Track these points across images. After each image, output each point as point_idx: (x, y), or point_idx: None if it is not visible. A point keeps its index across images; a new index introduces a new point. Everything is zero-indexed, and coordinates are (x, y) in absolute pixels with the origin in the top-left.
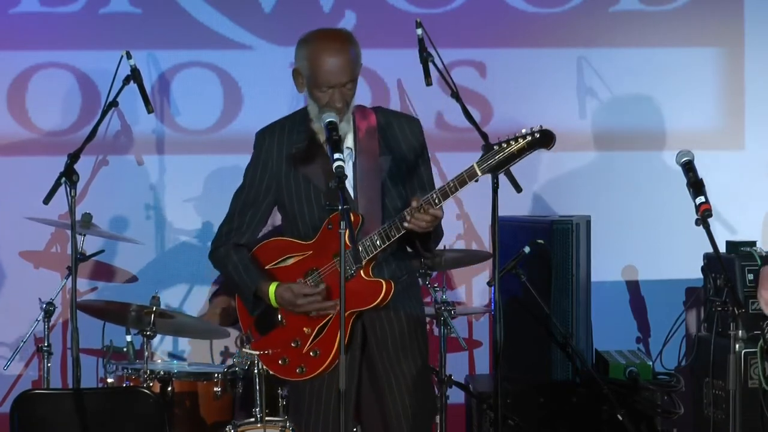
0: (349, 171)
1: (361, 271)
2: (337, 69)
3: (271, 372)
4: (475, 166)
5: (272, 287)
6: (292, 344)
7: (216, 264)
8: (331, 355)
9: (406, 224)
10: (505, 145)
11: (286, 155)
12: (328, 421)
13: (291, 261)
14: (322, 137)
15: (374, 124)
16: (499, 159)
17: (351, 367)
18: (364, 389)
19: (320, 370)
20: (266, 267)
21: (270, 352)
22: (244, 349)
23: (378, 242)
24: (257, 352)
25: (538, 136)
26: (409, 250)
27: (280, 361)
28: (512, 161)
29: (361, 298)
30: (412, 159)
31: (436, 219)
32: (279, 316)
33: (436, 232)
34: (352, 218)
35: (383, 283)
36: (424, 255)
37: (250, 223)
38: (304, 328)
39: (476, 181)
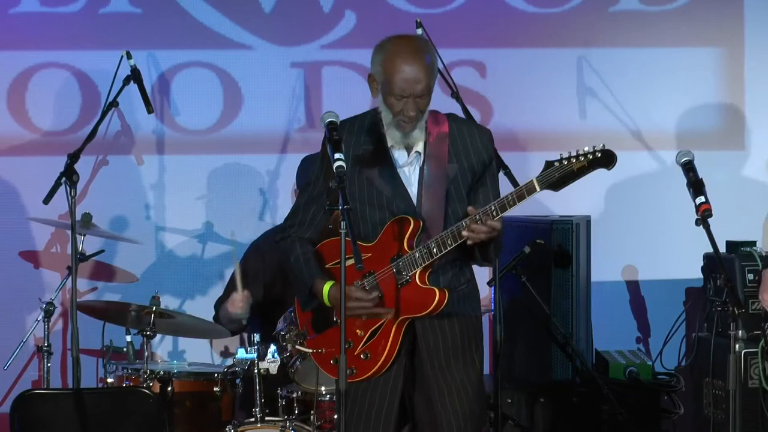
0: (415, 174)
1: (417, 278)
2: (413, 79)
3: (323, 371)
4: (535, 182)
5: (327, 286)
6: (345, 345)
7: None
8: (381, 360)
9: (464, 233)
10: (566, 162)
11: (353, 156)
12: (369, 425)
13: (350, 262)
14: (391, 142)
15: (446, 131)
16: (559, 176)
17: (396, 375)
18: (416, 397)
19: (369, 373)
20: (326, 266)
21: (323, 351)
22: (297, 346)
23: (434, 250)
24: (311, 350)
25: (599, 155)
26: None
27: (332, 361)
28: (572, 179)
29: (413, 304)
30: (479, 169)
31: (494, 230)
32: (334, 316)
33: (497, 243)
34: (412, 223)
35: (436, 291)
36: (482, 264)
37: (313, 218)
38: (357, 331)
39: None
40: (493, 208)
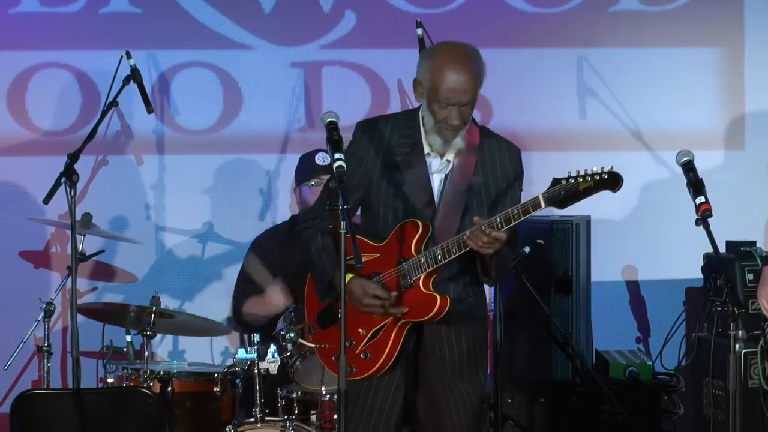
0: (439, 181)
1: (421, 283)
2: (460, 88)
3: (326, 368)
4: (541, 198)
5: (347, 279)
6: (347, 343)
7: (301, 245)
8: (381, 361)
9: (466, 240)
10: (572, 181)
11: (385, 157)
12: (369, 425)
13: (365, 259)
14: (428, 149)
15: (476, 143)
16: (564, 194)
17: (400, 376)
18: (419, 401)
19: (368, 373)
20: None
21: (326, 346)
22: (300, 340)
23: (439, 256)
24: (315, 345)
25: (606, 177)
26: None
27: (333, 358)
28: (577, 198)
29: (415, 309)
30: (503, 186)
31: (497, 241)
32: (339, 314)
33: (503, 262)
34: (421, 227)
35: (438, 297)
36: (482, 279)
37: None
38: (360, 330)
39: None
40: (498, 220)
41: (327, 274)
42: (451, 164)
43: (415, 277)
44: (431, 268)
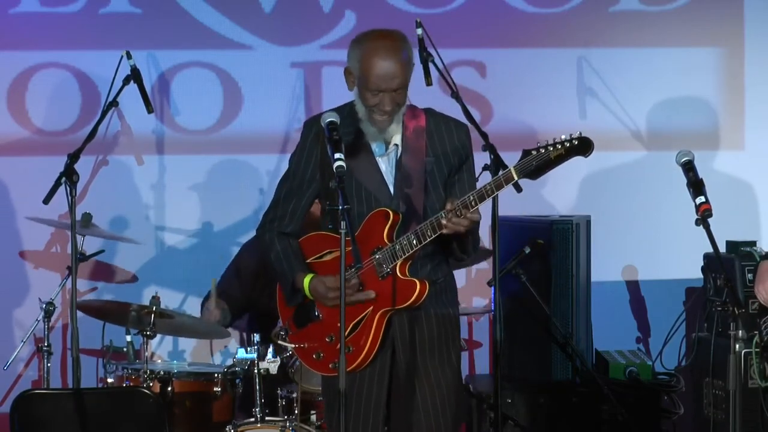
0: (393, 167)
1: (398, 270)
2: (389, 74)
3: (306, 366)
4: (512, 170)
5: (307, 279)
6: (327, 339)
7: (263, 249)
8: (364, 353)
9: (443, 222)
10: (543, 151)
11: None
12: (359, 421)
13: (331, 256)
14: (368, 136)
15: (423, 125)
16: (537, 164)
17: (382, 369)
18: (392, 390)
19: (352, 366)
20: (308, 260)
21: (306, 345)
22: (279, 342)
23: (414, 242)
24: (293, 345)
25: (576, 143)
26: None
27: (314, 356)
28: (550, 167)
29: (395, 297)
30: (456, 163)
31: (472, 222)
32: (315, 310)
33: (474, 236)
34: (391, 216)
35: (417, 282)
36: (458, 257)
37: (293, 211)
38: (339, 324)
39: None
40: (471, 198)
41: (288, 279)
42: (399, 148)
43: (392, 265)
44: (407, 254)
